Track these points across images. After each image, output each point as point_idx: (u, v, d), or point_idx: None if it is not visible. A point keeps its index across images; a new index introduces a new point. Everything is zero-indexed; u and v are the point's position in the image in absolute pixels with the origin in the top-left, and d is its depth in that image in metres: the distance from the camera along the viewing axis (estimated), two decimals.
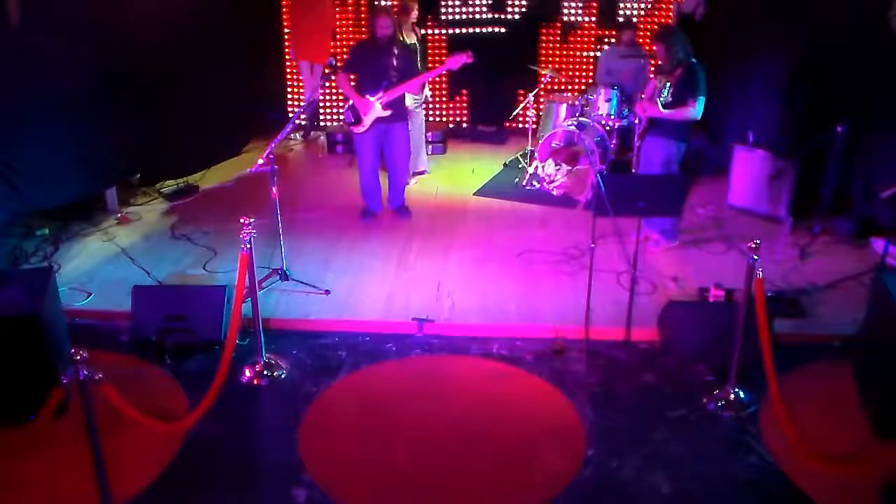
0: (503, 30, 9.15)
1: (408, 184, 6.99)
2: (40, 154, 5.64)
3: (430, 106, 9.06)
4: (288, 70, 9.35)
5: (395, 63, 6.09)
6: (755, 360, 3.91)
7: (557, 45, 9.22)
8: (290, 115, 8.99)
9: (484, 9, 9.08)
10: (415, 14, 7.29)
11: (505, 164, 8.10)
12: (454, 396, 4.23)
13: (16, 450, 3.72)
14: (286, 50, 9.17)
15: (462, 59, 6.03)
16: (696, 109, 5.40)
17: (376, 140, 6.30)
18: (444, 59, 6.15)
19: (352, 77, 6.25)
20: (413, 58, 6.51)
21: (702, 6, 7.85)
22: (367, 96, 6.09)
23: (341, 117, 8.77)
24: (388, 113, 6.13)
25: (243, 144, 8.46)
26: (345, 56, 7.69)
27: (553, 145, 7.23)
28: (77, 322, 4.79)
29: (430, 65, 8.60)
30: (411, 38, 7.10)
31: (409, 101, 6.85)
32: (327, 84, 8.78)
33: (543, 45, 9.23)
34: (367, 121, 6.15)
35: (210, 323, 4.60)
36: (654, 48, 5.76)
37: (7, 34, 5.28)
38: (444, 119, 9.48)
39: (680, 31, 5.76)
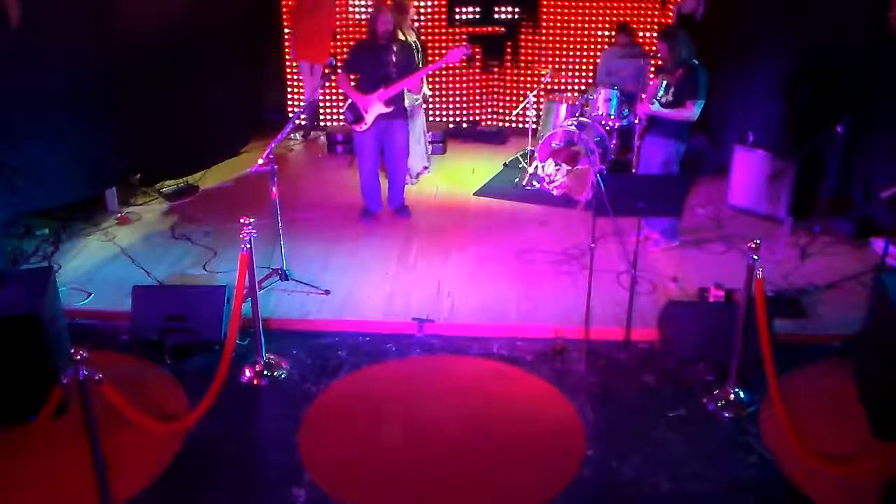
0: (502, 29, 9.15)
1: (408, 182, 6.98)
2: (40, 154, 5.64)
3: (430, 105, 9.05)
4: (288, 70, 9.35)
5: (394, 60, 6.09)
6: (755, 360, 3.91)
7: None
8: (290, 115, 8.99)
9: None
10: (412, 12, 7.29)
11: (505, 164, 8.10)
12: (454, 396, 4.23)
13: (16, 450, 3.72)
14: (286, 50, 9.17)
15: (462, 52, 6.01)
16: (693, 112, 5.40)
17: (377, 139, 6.29)
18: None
19: (351, 77, 6.25)
20: (413, 55, 6.51)
21: (702, 6, 7.84)
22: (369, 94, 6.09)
23: (341, 117, 8.77)
24: (389, 109, 6.13)
25: (243, 144, 8.46)
26: (345, 56, 7.69)
27: (553, 145, 7.22)
28: (77, 322, 4.79)
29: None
30: (411, 37, 7.10)
31: (409, 100, 6.85)
32: (327, 84, 8.78)
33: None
34: (370, 117, 6.14)
35: (210, 323, 4.59)
36: (657, 47, 5.75)
37: (7, 34, 5.28)
38: (445, 119, 9.47)
39: (684, 31, 5.75)
